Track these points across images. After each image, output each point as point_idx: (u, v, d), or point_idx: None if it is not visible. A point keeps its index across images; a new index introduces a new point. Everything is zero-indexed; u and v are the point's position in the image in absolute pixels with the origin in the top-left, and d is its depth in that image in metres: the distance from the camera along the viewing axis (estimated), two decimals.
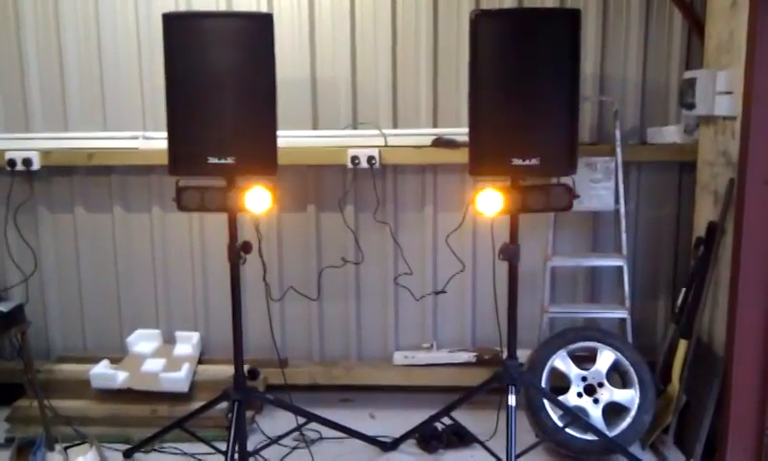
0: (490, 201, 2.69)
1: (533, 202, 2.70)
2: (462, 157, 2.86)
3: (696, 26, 3.28)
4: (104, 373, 3.30)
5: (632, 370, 3.05)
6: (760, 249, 2.72)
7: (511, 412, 2.71)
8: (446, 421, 3.11)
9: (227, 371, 3.17)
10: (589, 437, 2.96)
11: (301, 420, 3.10)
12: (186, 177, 2.70)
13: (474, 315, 3.63)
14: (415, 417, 3.14)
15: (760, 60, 2.63)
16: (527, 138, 2.63)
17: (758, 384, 2.78)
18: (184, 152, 2.65)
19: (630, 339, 3.27)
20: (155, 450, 3.10)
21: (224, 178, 2.71)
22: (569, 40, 2.59)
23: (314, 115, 3.51)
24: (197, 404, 3.07)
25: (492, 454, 2.94)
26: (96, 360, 3.41)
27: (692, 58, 3.38)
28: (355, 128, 3.48)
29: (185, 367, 3.33)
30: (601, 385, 3.09)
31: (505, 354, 2.93)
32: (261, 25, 2.61)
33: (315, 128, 3.51)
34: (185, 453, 3.07)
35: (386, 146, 3.35)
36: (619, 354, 3.08)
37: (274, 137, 2.67)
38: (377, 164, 3.30)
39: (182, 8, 3.42)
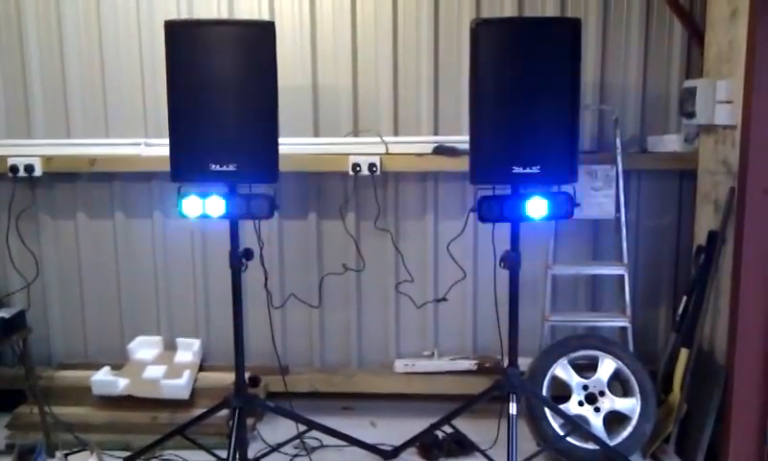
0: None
1: (534, 210, 2.70)
2: (463, 164, 2.87)
3: (696, 35, 3.29)
4: (105, 379, 3.30)
5: (633, 378, 3.05)
6: (761, 257, 2.72)
7: (512, 420, 2.71)
8: (447, 429, 3.11)
9: (227, 378, 3.17)
10: (590, 446, 2.95)
11: (302, 427, 3.10)
12: (188, 183, 2.71)
13: (475, 323, 3.63)
14: (416, 425, 3.14)
15: (760, 70, 2.64)
16: (528, 146, 2.63)
17: (760, 393, 2.77)
18: (186, 159, 2.66)
19: (631, 348, 3.27)
20: (155, 458, 3.09)
21: (225, 184, 2.72)
22: (570, 49, 2.60)
23: (315, 122, 3.52)
24: (198, 411, 3.07)
25: None
26: (97, 367, 3.41)
27: (692, 67, 3.39)
28: (356, 135, 3.49)
29: (186, 374, 3.32)
30: (602, 394, 3.08)
31: (506, 363, 2.93)
32: (263, 33, 2.62)
33: (316, 135, 3.52)
34: (186, 460, 3.08)
35: (387, 153, 3.35)
36: (620, 363, 3.08)
37: (275, 144, 2.68)
38: (378, 172, 3.31)
39: (184, 15, 3.43)
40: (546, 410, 3.00)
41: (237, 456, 2.74)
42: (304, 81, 3.48)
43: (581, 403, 3.08)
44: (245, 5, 3.43)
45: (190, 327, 3.67)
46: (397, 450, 3.12)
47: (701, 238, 3.15)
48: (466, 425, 3.14)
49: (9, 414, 3.27)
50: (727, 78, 2.90)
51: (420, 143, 3.39)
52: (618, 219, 3.33)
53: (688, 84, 3.11)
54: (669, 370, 3.15)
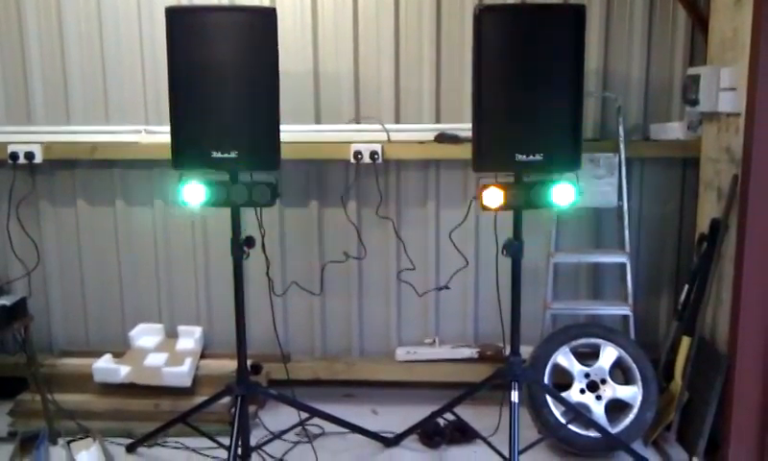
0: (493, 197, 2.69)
1: (536, 198, 2.69)
2: (465, 152, 2.86)
3: (700, 22, 3.27)
4: (106, 367, 3.30)
5: (634, 366, 3.05)
6: (764, 245, 2.72)
7: (513, 408, 2.71)
8: (449, 416, 3.12)
9: (229, 365, 3.17)
10: (592, 434, 2.96)
11: (304, 415, 3.11)
12: (189, 171, 2.70)
13: (477, 311, 3.63)
14: (417, 412, 3.14)
15: (764, 57, 2.62)
16: (530, 134, 2.62)
17: (761, 381, 2.78)
18: (187, 146, 2.64)
19: (632, 336, 3.27)
20: (157, 445, 3.10)
21: (227, 172, 2.71)
22: (573, 36, 2.58)
23: (317, 110, 3.50)
24: (200, 399, 3.08)
25: (495, 450, 2.94)
26: (99, 354, 3.41)
27: (696, 54, 3.37)
28: (358, 123, 3.48)
29: (188, 361, 3.33)
30: (604, 382, 3.09)
31: (508, 350, 2.93)
32: (264, 19, 2.60)
33: (317, 122, 3.50)
34: (188, 448, 3.07)
35: (389, 141, 3.34)
36: (622, 351, 3.08)
37: (276, 132, 2.67)
38: (380, 159, 3.30)
39: (185, 1, 3.41)
40: (548, 398, 3.01)
41: (239, 443, 2.75)
42: (306, 67, 3.46)
43: (582, 391, 3.08)
44: None
45: (192, 315, 3.67)
46: (399, 438, 3.13)
47: (703, 226, 3.15)
48: (467, 413, 3.15)
49: (11, 401, 3.27)
50: (730, 65, 2.88)
51: (423, 131, 3.38)
52: (621, 207, 3.33)
53: (692, 71, 3.09)
54: (671, 358, 3.15)
